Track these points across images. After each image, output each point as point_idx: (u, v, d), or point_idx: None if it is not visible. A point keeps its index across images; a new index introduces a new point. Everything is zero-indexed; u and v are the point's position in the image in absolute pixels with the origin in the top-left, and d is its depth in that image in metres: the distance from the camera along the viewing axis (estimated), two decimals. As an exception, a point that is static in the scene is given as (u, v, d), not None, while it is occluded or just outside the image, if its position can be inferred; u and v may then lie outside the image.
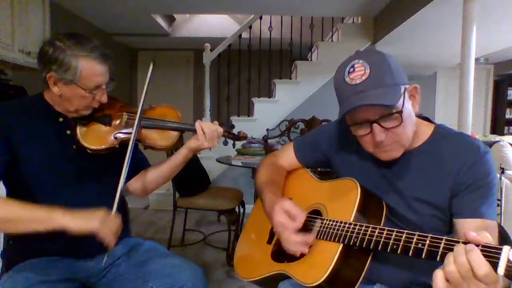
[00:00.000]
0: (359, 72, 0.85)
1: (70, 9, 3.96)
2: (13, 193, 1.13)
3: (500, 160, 2.43)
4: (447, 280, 0.61)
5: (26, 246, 1.12)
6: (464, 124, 2.54)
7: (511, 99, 6.24)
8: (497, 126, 6.29)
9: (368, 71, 0.84)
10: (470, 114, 2.54)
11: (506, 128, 6.24)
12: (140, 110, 1.14)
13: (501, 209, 2.05)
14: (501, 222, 2.07)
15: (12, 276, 1.02)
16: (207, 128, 1.18)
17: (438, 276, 0.62)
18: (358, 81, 0.85)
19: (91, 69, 1.06)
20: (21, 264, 1.07)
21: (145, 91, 1.16)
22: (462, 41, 2.54)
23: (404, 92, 0.86)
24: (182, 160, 1.24)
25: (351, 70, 0.86)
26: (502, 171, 2.20)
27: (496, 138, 3.18)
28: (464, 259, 0.59)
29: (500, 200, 2.06)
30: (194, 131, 1.20)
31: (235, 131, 1.30)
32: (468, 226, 0.85)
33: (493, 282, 0.57)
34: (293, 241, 0.94)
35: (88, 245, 1.15)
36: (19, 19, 2.77)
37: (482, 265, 0.57)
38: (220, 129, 1.21)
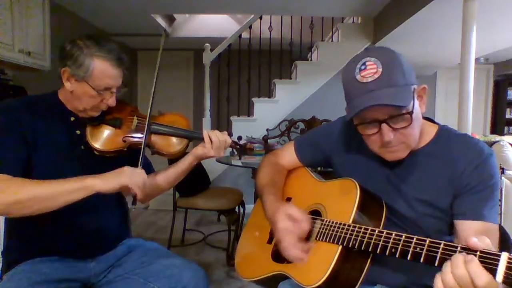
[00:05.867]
0: (371, 70, 0.82)
1: (70, 9, 3.96)
2: None
3: (500, 160, 2.43)
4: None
5: (26, 246, 1.12)
6: (464, 124, 2.54)
7: (511, 99, 6.21)
8: (497, 126, 6.28)
9: (380, 69, 0.82)
10: (470, 114, 2.54)
11: (506, 128, 6.23)
12: (151, 105, 1.15)
13: (501, 209, 2.05)
14: (501, 222, 2.06)
15: (12, 276, 1.02)
16: (215, 137, 1.19)
17: (438, 282, 0.62)
18: (369, 79, 0.82)
19: (103, 70, 1.08)
20: (21, 264, 1.07)
21: (156, 76, 1.18)
22: (462, 41, 2.54)
23: (413, 93, 0.85)
24: (187, 167, 1.25)
25: (363, 67, 0.83)
26: (502, 171, 2.20)
27: (496, 138, 3.17)
28: (462, 271, 0.59)
29: (500, 200, 2.05)
30: (202, 140, 1.20)
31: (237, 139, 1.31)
32: (469, 228, 0.84)
33: None
34: (292, 249, 0.92)
35: (89, 245, 1.15)
36: (19, 19, 2.77)
37: (481, 275, 0.57)
38: (229, 140, 1.22)
